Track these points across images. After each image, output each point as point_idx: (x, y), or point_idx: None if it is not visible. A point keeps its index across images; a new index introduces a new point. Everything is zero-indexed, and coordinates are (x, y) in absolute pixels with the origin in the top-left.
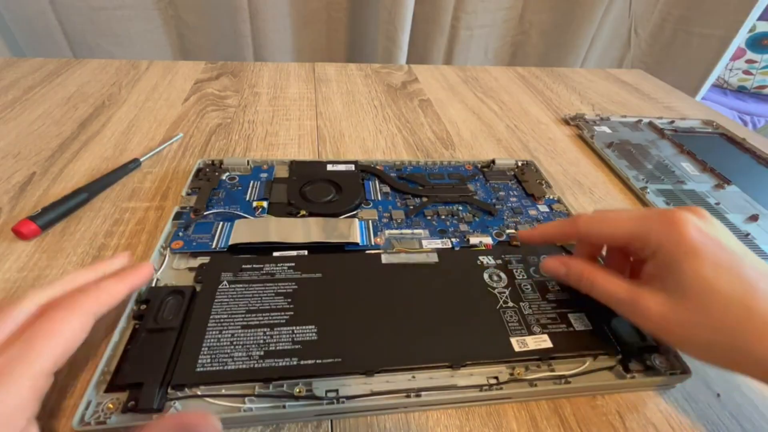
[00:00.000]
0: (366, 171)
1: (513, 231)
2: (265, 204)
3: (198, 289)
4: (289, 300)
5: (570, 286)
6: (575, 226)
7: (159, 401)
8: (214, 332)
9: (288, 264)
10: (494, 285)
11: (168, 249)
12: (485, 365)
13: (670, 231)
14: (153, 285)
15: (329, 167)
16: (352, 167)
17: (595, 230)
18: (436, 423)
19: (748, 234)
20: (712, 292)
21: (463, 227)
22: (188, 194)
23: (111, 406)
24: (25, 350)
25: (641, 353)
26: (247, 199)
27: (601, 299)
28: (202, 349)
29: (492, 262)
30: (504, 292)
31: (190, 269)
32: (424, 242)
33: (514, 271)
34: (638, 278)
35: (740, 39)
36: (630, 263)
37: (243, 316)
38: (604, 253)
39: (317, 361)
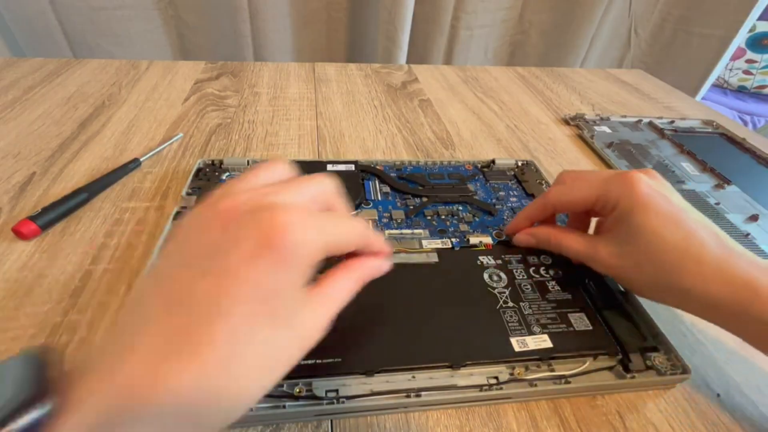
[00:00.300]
0: (366, 171)
1: None
2: None
3: None
4: None
5: (566, 287)
6: (548, 200)
7: None
8: None
9: None
10: (494, 285)
11: None
12: (485, 365)
13: (625, 188)
14: None
15: (329, 167)
16: (352, 167)
17: (565, 200)
18: (436, 423)
19: (748, 234)
20: (656, 239)
21: (463, 227)
22: (188, 194)
23: None
24: (332, 220)
25: (641, 353)
26: None
27: (567, 255)
28: None
29: (492, 262)
30: (504, 292)
31: None
32: (424, 242)
33: (514, 271)
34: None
35: (740, 39)
36: (588, 222)
37: None
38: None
39: (317, 361)
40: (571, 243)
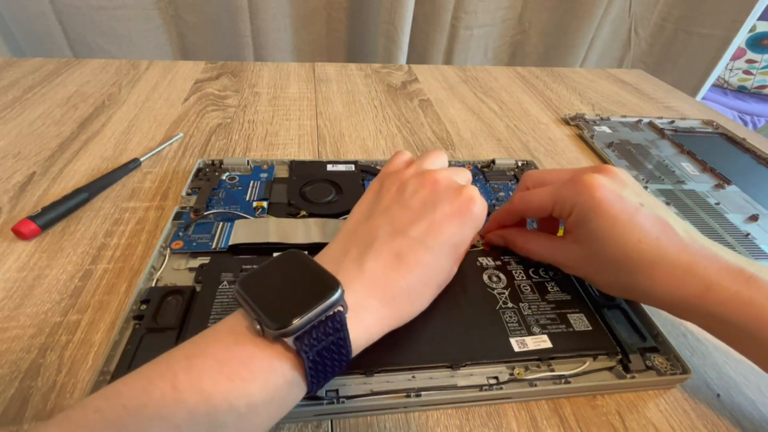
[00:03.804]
0: (366, 171)
1: None
2: (265, 204)
3: (198, 289)
4: None
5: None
6: (512, 207)
7: None
8: None
9: None
10: (494, 286)
11: (168, 249)
12: (485, 365)
13: (579, 193)
14: (153, 285)
15: (329, 167)
16: (352, 167)
17: (526, 207)
18: (436, 423)
19: (748, 234)
20: (611, 245)
21: None
22: (188, 194)
23: None
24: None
25: (641, 353)
26: (247, 199)
27: (533, 257)
28: None
29: (491, 263)
30: (503, 293)
31: (190, 269)
32: None
33: (514, 272)
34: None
35: (740, 39)
36: (558, 222)
37: None
38: None
39: None
40: (536, 247)
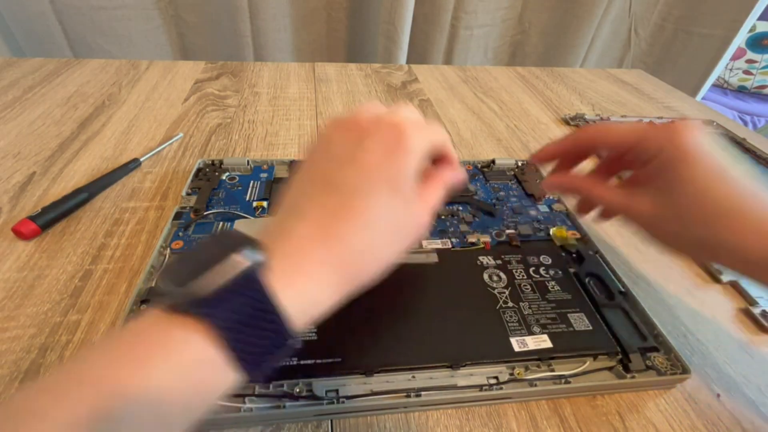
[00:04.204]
0: None
1: (512, 231)
2: (265, 204)
3: None
4: None
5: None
6: (586, 132)
7: None
8: None
9: None
10: (494, 285)
11: (168, 249)
12: (485, 365)
13: (672, 137)
14: (153, 285)
15: None
16: None
17: (603, 136)
18: (436, 423)
19: None
20: (700, 192)
21: (464, 227)
22: (188, 194)
23: None
24: (433, 130)
25: (641, 353)
26: (248, 199)
27: (599, 204)
28: None
29: (492, 262)
30: (504, 293)
31: None
32: (424, 242)
33: (514, 271)
34: (631, 185)
35: (740, 39)
36: (615, 174)
37: None
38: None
39: (317, 361)
40: (604, 192)
